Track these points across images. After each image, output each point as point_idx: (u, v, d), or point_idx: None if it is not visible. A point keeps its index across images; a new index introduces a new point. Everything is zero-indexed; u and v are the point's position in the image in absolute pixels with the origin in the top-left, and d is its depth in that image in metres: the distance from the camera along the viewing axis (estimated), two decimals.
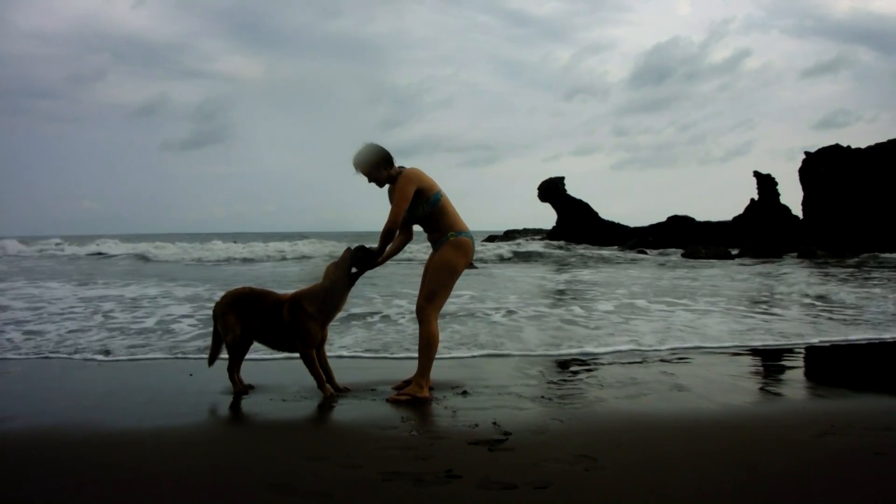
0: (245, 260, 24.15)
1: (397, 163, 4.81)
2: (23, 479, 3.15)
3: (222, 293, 5.08)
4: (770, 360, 6.24)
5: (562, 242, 34.54)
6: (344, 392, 4.80)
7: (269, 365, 5.76)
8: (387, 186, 4.85)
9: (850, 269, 18.23)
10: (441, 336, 5.09)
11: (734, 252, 28.11)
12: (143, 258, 24.69)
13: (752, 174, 35.17)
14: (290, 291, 4.92)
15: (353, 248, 4.82)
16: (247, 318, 4.80)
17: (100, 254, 27.14)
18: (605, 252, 28.58)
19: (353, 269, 4.80)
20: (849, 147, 32.56)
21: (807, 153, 33.56)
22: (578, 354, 6.43)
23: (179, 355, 6.38)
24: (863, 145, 32.31)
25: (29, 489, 3.02)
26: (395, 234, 4.78)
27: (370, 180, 4.80)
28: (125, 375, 5.52)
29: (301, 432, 3.99)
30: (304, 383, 4.99)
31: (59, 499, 2.91)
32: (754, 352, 6.62)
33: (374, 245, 4.82)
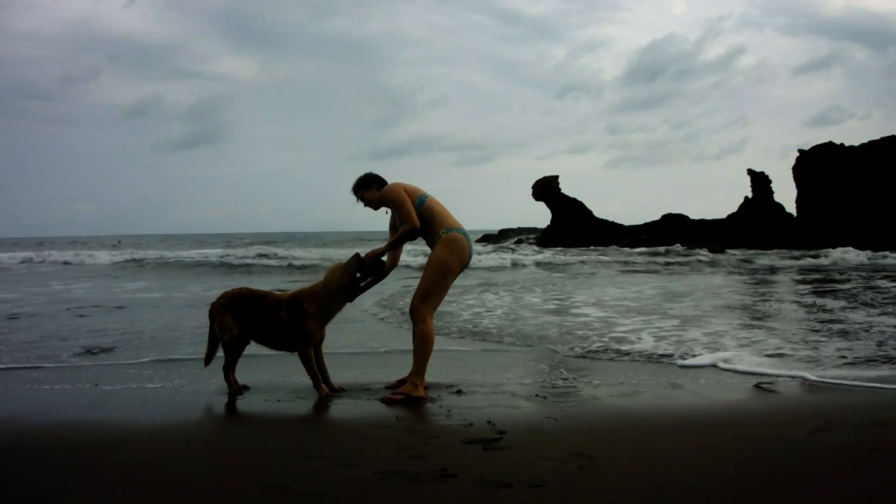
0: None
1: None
2: (19, 480, 3.13)
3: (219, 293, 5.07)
4: None
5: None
6: (339, 392, 4.79)
7: (263, 363, 5.74)
8: (383, 212, 4.96)
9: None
10: None
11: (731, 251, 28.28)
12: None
13: (746, 172, 35.27)
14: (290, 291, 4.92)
15: (361, 254, 4.81)
16: (244, 317, 4.80)
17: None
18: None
19: (358, 275, 4.78)
20: (842, 145, 32.67)
21: (801, 151, 33.66)
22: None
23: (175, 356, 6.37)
24: (856, 142, 32.45)
25: (25, 490, 3.00)
26: (414, 236, 4.78)
27: (365, 204, 4.97)
28: (120, 375, 5.50)
29: (296, 432, 3.98)
30: (298, 383, 4.99)
31: (54, 499, 2.89)
32: None
33: (381, 246, 4.83)
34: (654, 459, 3.29)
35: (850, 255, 24.02)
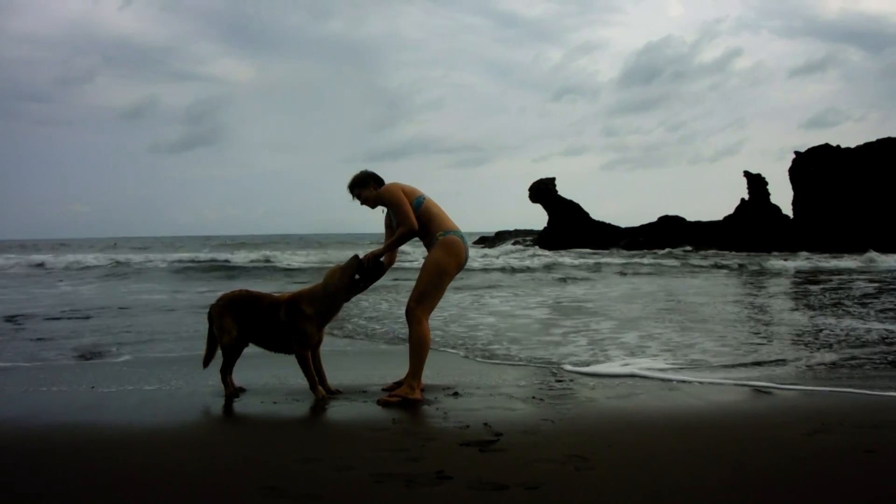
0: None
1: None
2: (15, 481, 3.13)
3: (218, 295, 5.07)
4: None
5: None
6: (335, 394, 4.78)
7: (260, 365, 5.73)
8: (380, 210, 4.94)
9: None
10: None
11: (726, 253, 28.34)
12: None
13: (742, 174, 35.35)
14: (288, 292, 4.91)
15: (360, 256, 4.80)
16: (243, 319, 4.79)
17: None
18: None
19: (357, 277, 4.77)
20: (838, 147, 32.79)
21: (797, 153, 33.77)
22: None
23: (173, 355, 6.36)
24: (852, 144, 32.59)
25: (21, 491, 3.00)
26: (412, 237, 4.75)
27: (361, 202, 4.94)
28: (117, 377, 5.48)
29: (292, 434, 3.98)
30: (294, 385, 4.99)
31: (52, 500, 2.89)
32: None
33: (379, 247, 4.82)
34: (651, 461, 3.29)
35: (881, 260, 22.77)
